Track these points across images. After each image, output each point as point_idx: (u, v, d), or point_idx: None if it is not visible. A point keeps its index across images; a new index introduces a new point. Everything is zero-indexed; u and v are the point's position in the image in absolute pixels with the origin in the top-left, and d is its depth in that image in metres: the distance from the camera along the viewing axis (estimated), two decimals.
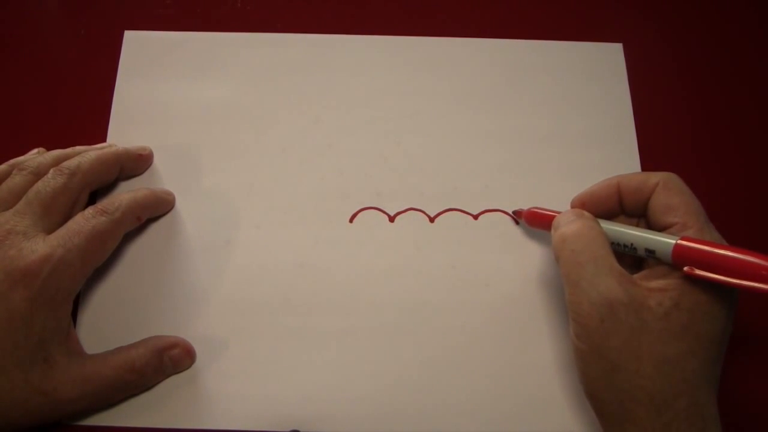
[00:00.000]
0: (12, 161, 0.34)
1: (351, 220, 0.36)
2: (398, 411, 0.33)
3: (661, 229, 0.29)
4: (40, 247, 0.29)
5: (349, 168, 0.38)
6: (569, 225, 0.29)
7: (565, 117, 0.39)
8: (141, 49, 0.40)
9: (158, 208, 0.36)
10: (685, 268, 0.26)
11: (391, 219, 0.37)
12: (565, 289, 0.28)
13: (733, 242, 0.37)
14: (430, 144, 0.38)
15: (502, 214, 0.37)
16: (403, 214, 0.37)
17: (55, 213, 0.31)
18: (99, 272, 0.35)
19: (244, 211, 0.37)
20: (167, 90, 0.39)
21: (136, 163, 0.37)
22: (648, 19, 0.42)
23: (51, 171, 0.32)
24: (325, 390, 0.33)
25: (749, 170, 0.39)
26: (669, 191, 0.29)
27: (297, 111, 0.39)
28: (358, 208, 0.37)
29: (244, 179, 0.37)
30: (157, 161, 0.38)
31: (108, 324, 0.34)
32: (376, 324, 0.34)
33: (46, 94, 0.40)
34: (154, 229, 0.36)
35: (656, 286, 0.27)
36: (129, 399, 0.32)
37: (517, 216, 0.36)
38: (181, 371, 0.33)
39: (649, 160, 0.38)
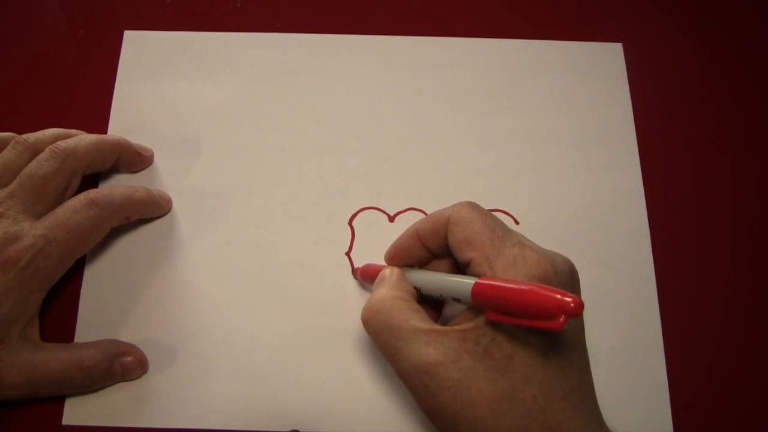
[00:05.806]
0: (13, 134, 0.34)
1: (351, 220, 0.36)
2: (398, 411, 0.33)
3: (465, 265, 0.28)
4: (24, 235, 0.30)
5: (349, 168, 0.38)
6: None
7: (565, 117, 0.39)
8: (141, 49, 0.40)
9: (151, 210, 0.36)
10: (487, 315, 0.26)
11: (391, 219, 0.37)
12: None
13: (734, 243, 0.37)
14: (430, 144, 0.38)
15: (502, 213, 0.37)
16: (403, 214, 0.37)
17: (46, 199, 0.32)
18: (98, 271, 0.35)
19: (244, 211, 0.37)
20: (167, 90, 0.39)
21: (134, 159, 0.37)
22: (648, 19, 0.42)
23: (47, 150, 0.32)
24: (325, 390, 0.33)
25: (749, 169, 0.39)
26: (458, 225, 0.28)
27: (297, 111, 0.39)
28: (358, 208, 0.37)
29: (243, 179, 0.37)
30: (157, 160, 0.38)
31: (106, 323, 0.34)
32: None
33: (46, 94, 0.40)
34: (154, 228, 0.36)
35: (470, 326, 0.26)
36: (127, 399, 0.32)
37: (354, 274, 0.35)
38: (131, 380, 0.33)
39: (649, 160, 0.38)
